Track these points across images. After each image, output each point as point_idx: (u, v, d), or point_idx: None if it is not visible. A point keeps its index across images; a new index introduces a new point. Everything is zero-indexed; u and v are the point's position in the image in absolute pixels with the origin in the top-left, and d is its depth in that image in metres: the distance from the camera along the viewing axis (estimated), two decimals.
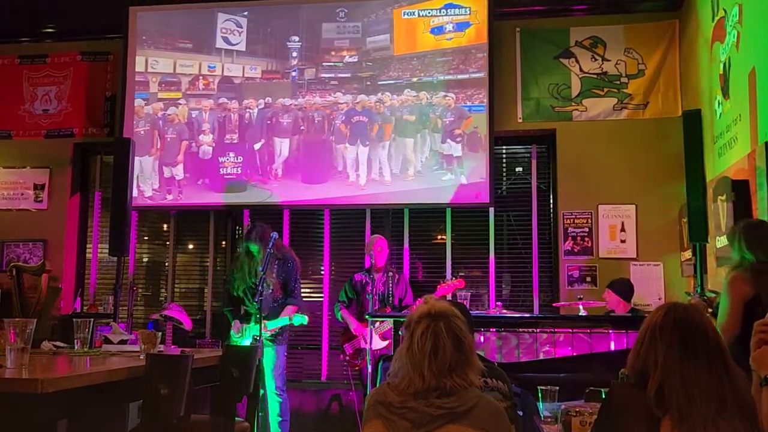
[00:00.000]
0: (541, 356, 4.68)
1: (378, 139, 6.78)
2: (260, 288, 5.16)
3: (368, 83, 6.90)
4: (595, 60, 6.67)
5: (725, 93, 5.26)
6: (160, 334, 3.82)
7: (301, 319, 5.58)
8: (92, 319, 4.07)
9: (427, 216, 6.99)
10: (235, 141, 7.00)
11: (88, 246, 7.48)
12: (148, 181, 7.04)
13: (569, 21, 6.78)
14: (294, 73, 7.03)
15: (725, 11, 5.21)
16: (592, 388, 2.94)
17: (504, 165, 7.03)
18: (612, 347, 4.61)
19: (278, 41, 7.09)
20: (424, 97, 6.74)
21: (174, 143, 7.08)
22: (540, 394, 2.94)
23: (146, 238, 7.57)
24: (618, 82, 6.61)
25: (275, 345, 5.53)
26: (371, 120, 6.82)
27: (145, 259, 7.56)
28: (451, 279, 5.83)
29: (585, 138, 6.60)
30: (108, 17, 7.16)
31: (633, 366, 2.13)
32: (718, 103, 5.42)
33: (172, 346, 5.35)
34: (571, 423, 2.68)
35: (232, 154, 6.97)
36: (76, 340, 3.89)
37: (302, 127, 6.93)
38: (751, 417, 2.03)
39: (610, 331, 4.64)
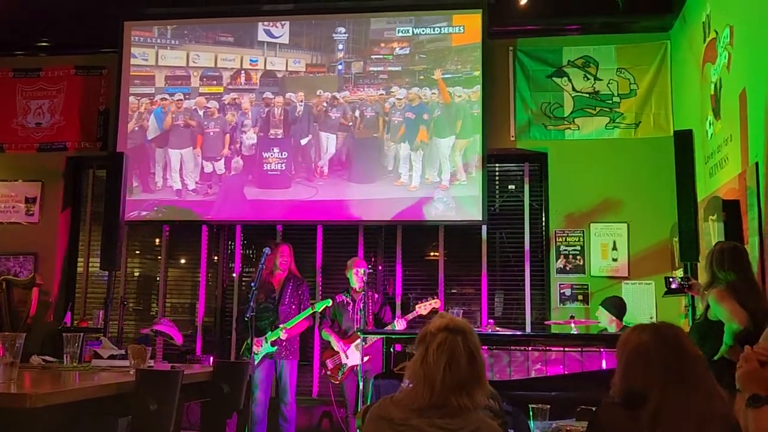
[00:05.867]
0: (533, 374, 4.67)
1: (434, 138, 6.56)
2: (251, 303, 5.16)
3: (422, 77, 6.70)
4: (588, 79, 6.72)
5: (716, 113, 5.30)
6: (150, 349, 3.80)
7: (324, 302, 6.00)
8: (82, 334, 4.04)
9: (420, 233, 6.98)
10: (280, 136, 6.83)
11: (79, 260, 7.45)
12: (191, 175, 6.94)
13: (562, 41, 6.84)
14: (340, 67, 6.85)
15: (716, 32, 5.26)
16: (583, 406, 2.94)
17: (497, 183, 7.04)
18: (604, 366, 4.61)
19: (323, 33, 6.90)
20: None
21: (217, 138, 6.94)
22: (531, 413, 2.93)
23: (137, 252, 7.54)
24: (610, 102, 6.66)
25: (290, 359, 5.93)
26: (425, 116, 6.62)
27: (137, 274, 7.52)
28: (430, 300, 5.95)
29: (577, 156, 6.63)
30: (102, 32, 7.16)
31: (624, 388, 2.12)
32: (710, 124, 5.46)
33: (163, 362, 5.32)
34: None
35: (276, 150, 6.81)
36: (65, 355, 3.86)
37: (350, 124, 6.74)
38: (729, 424, 2.04)
39: (602, 350, 4.64)
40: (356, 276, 6.03)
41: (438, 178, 6.57)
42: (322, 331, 6.17)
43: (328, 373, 6.00)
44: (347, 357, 5.90)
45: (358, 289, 6.03)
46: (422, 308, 5.86)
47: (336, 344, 5.97)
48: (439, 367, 2.11)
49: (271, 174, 6.82)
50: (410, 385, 2.17)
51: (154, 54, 7.19)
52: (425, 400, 2.10)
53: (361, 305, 5.89)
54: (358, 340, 5.70)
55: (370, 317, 6.01)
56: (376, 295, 6.24)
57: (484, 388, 2.18)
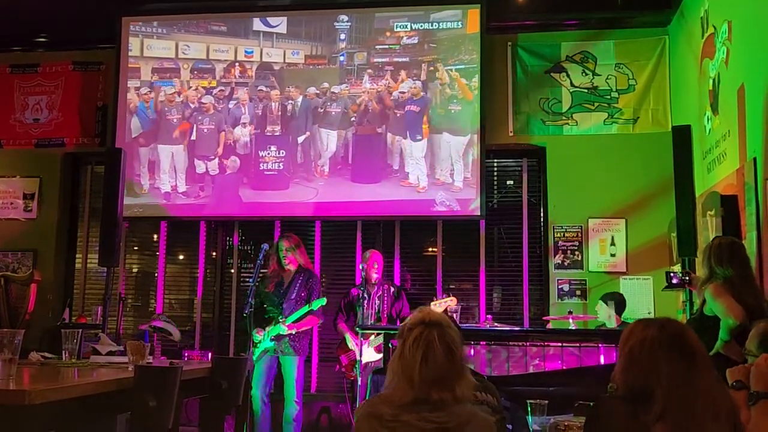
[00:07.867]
0: (531, 370, 4.68)
1: (444, 134, 6.29)
2: (250, 300, 5.16)
3: (431, 68, 6.37)
4: (586, 75, 6.71)
5: (714, 109, 5.30)
6: (149, 345, 3.79)
7: (320, 302, 5.72)
8: (80, 330, 4.03)
9: (418, 228, 6.98)
10: (277, 133, 6.48)
11: (77, 256, 7.44)
12: (181, 176, 6.62)
13: (560, 36, 6.83)
14: (342, 58, 6.49)
15: (715, 28, 5.26)
16: (581, 402, 2.94)
17: (495, 178, 7.04)
18: (602, 361, 4.62)
19: (324, 22, 6.53)
20: None
21: (210, 135, 6.57)
22: (529, 408, 2.94)
23: (136, 248, 7.53)
24: (608, 97, 6.66)
25: (296, 356, 5.60)
26: (432, 110, 6.34)
27: (135, 270, 7.52)
28: (445, 298, 5.82)
29: (575, 152, 6.63)
30: (100, 27, 7.14)
31: (628, 381, 2.10)
32: (708, 119, 5.47)
33: (161, 358, 5.32)
34: None
35: (273, 148, 6.46)
36: (64, 351, 3.86)
37: (352, 119, 6.40)
38: (733, 421, 2.06)
39: (600, 345, 4.65)
40: (372, 269, 5.92)
41: (450, 179, 6.40)
42: (336, 326, 6.01)
43: (343, 369, 5.89)
44: (362, 354, 5.61)
45: (373, 282, 5.96)
46: (436, 306, 5.60)
47: (351, 342, 5.82)
48: (416, 361, 2.10)
49: (267, 174, 6.54)
50: (391, 381, 2.16)
51: (138, 44, 6.83)
52: (408, 396, 2.09)
53: (377, 299, 5.83)
54: (373, 337, 5.62)
55: (385, 312, 5.89)
56: (394, 289, 6.09)
57: (464, 382, 2.15)
